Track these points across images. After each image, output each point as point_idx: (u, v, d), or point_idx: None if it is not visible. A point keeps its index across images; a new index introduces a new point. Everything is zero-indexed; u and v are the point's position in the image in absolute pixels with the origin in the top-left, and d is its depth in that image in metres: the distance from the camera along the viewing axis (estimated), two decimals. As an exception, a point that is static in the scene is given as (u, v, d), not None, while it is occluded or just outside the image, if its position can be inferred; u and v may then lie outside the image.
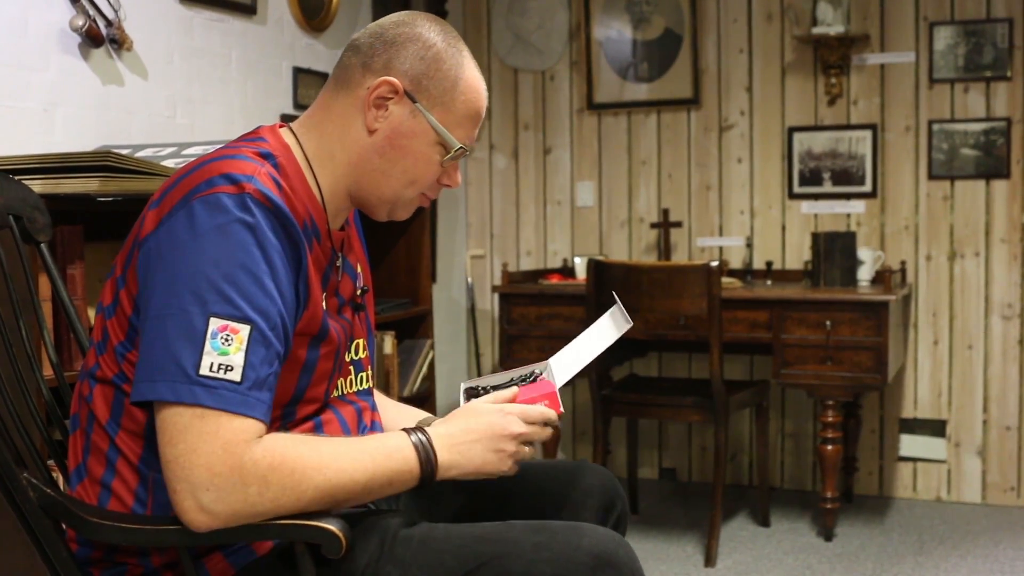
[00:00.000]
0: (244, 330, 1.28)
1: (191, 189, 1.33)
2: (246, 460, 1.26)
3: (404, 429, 1.43)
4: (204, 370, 1.26)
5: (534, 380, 1.62)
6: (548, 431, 1.52)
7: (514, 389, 1.55)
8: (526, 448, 1.49)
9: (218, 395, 1.26)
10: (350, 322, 1.55)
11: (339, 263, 1.52)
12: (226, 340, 1.27)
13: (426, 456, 1.40)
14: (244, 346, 1.28)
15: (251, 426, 1.28)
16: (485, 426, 1.46)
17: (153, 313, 1.30)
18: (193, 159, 1.44)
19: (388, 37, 1.49)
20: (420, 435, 1.42)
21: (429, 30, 1.49)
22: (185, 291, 1.28)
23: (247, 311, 1.29)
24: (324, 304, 1.46)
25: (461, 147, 1.50)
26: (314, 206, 1.45)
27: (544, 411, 1.50)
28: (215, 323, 1.27)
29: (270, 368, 1.32)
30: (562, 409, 1.54)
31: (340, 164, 1.49)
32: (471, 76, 1.51)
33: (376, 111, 1.47)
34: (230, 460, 1.26)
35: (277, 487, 1.28)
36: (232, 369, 1.27)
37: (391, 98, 1.47)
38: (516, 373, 1.67)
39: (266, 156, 1.39)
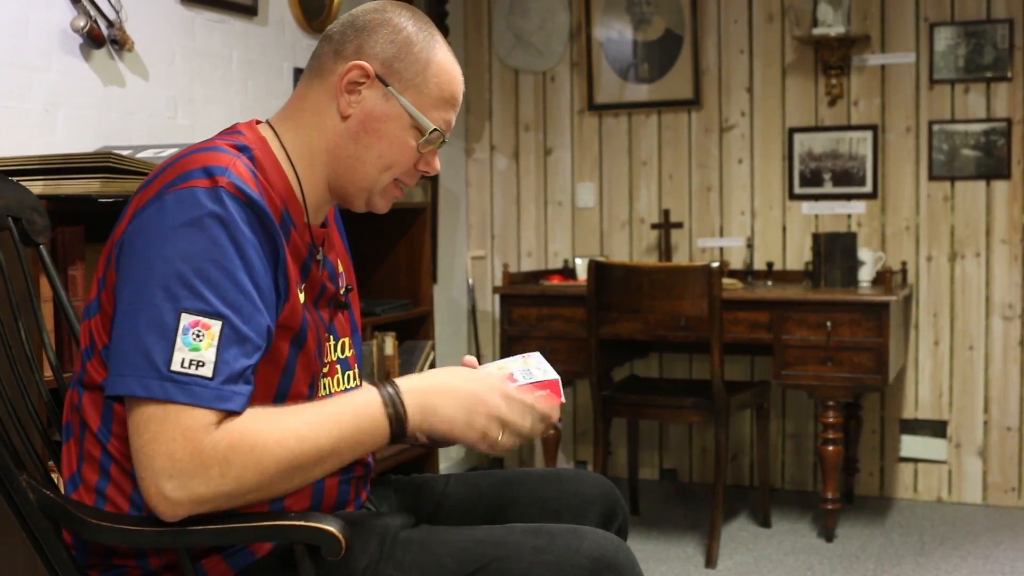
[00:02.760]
0: (216, 326, 1.28)
1: (165, 184, 1.33)
2: (206, 444, 1.26)
3: (375, 383, 1.41)
4: (176, 366, 1.26)
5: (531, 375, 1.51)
6: (541, 427, 1.45)
7: (518, 363, 1.49)
8: (505, 439, 1.42)
9: (189, 391, 1.26)
10: (325, 320, 1.54)
11: (319, 257, 1.52)
12: (197, 336, 1.27)
13: (395, 413, 1.37)
14: (216, 342, 1.28)
15: (215, 415, 1.27)
16: (467, 393, 1.41)
17: (124, 307, 1.30)
18: (171, 155, 1.43)
19: (359, 24, 1.49)
20: (390, 388, 1.38)
21: (400, 15, 1.50)
22: (156, 286, 1.28)
23: (218, 307, 1.28)
24: (301, 297, 1.45)
25: (435, 129, 1.49)
26: (291, 199, 1.44)
27: (544, 408, 1.44)
28: (186, 319, 1.27)
29: (247, 360, 1.30)
30: (563, 399, 1.48)
31: (317, 154, 1.49)
32: (443, 59, 1.51)
33: (348, 96, 1.47)
34: (190, 446, 1.25)
35: (239, 465, 1.27)
36: (204, 365, 1.27)
37: (363, 82, 1.47)
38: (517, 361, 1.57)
39: (242, 149, 1.39)
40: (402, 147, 1.49)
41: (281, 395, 1.43)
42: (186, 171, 1.32)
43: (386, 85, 1.47)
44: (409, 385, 1.40)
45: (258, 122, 1.53)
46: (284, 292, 1.39)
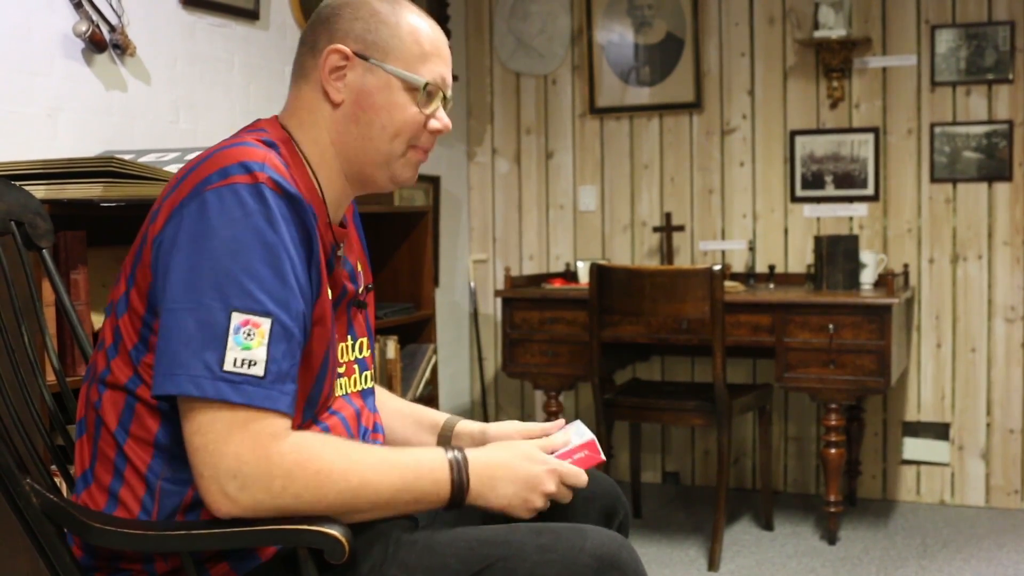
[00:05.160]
0: (265, 324, 1.29)
1: (202, 180, 1.33)
2: (273, 453, 1.28)
3: (445, 447, 1.44)
4: (228, 366, 1.27)
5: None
6: (571, 494, 1.52)
7: (563, 434, 1.58)
8: (546, 503, 1.50)
9: (242, 390, 1.27)
10: (343, 319, 1.55)
11: (340, 252, 1.52)
12: (248, 335, 1.28)
13: (459, 482, 1.41)
14: (266, 340, 1.29)
15: (278, 420, 1.30)
16: (526, 474, 1.46)
17: (171, 306, 1.30)
18: (201, 151, 1.44)
19: (323, 16, 1.51)
20: (459, 459, 1.42)
21: None
22: (205, 285, 1.28)
23: (268, 304, 1.29)
24: (329, 293, 1.46)
25: (427, 82, 1.49)
26: (314, 197, 1.45)
27: (580, 475, 1.51)
28: (237, 318, 1.28)
29: (292, 360, 1.32)
30: (603, 457, 1.57)
31: (325, 148, 1.50)
32: (413, 17, 1.51)
33: (335, 83, 1.48)
34: (259, 451, 1.27)
35: (301, 485, 1.29)
36: (255, 364, 1.28)
37: (344, 65, 1.48)
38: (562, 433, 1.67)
39: (270, 145, 1.41)
40: (402, 112, 1.49)
41: (314, 398, 1.44)
42: (223, 167, 1.32)
43: (366, 59, 1.48)
44: (473, 457, 1.44)
45: (276, 119, 1.54)
46: (317, 287, 1.40)
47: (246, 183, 1.31)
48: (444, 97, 1.53)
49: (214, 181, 1.31)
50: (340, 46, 1.47)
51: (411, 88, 1.48)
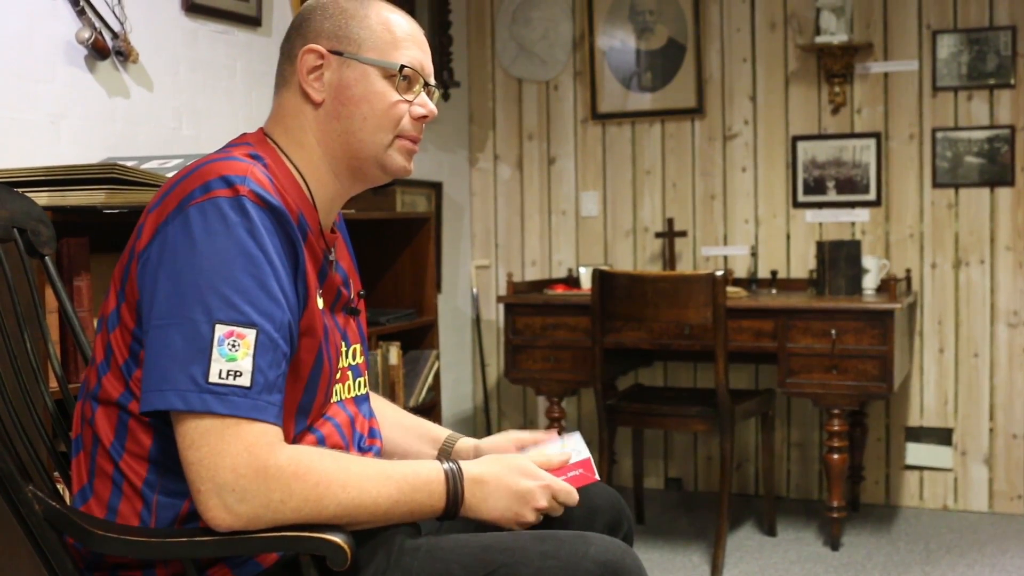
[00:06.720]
0: (250, 334, 1.29)
1: (186, 195, 1.33)
2: (270, 464, 1.28)
3: (441, 459, 1.46)
4: (213, 377, 1.27)
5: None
6: (561, 509, 1.53)
7: (561, 455, 1.57)
8: (538, 518, 1.51)
9: (229, 402, 1.27)
10: (340, 325, 1.55)
11: (332, 257, 1.53)
12: (233, 346, 1.28)
13: (454, 493, 1.42)
14: (252, 351, 1.29)
15: (269, 430, 1.30)
16: (518, 489, 1.47)
17: (157, 322, 1.31)
18: (186, 165, 1.44)
19: (296, 23, 1.55)
20: (454, 471, 1.43)
21: None
22: (189, 299, 1.29)
23: (252, 315, 1.30)
24: (320, 303, 1.46)
25: (403, 65, 1.49)
26: (305, 204, 1.46)
27: (571, 493, 1.51)
28: (221, 329, 1.28)
29: (278, 370, 1.32)
30: (598, 477, 1.59)
31: (313, 151, 1.50)
32: (382, 9, 1.53)
33: (314, 83, 1.49)
34: (255, 463, 1.27)
35: (300, 497, 1.29)
36: (241, 375, 1.28)
37: (320, 64, 1.49)
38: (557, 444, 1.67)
39: (256, 157, 1.41)
40: (382, 100, 1.49)
41: (305, 407, 1.44)
42: (205, 182, 1.33)
43: (340, 54, 1.49)
44: (468, 470, 1.45)
45: (262, 131, 1.54)
46: (303, 298, 1.40)
47: (227, 197, 1.31)
48: (426, 84, 1.54)
49: (197, 196, 1.32)
50: (314, 45, 1.49)
51: (388, 75, 1.49)
